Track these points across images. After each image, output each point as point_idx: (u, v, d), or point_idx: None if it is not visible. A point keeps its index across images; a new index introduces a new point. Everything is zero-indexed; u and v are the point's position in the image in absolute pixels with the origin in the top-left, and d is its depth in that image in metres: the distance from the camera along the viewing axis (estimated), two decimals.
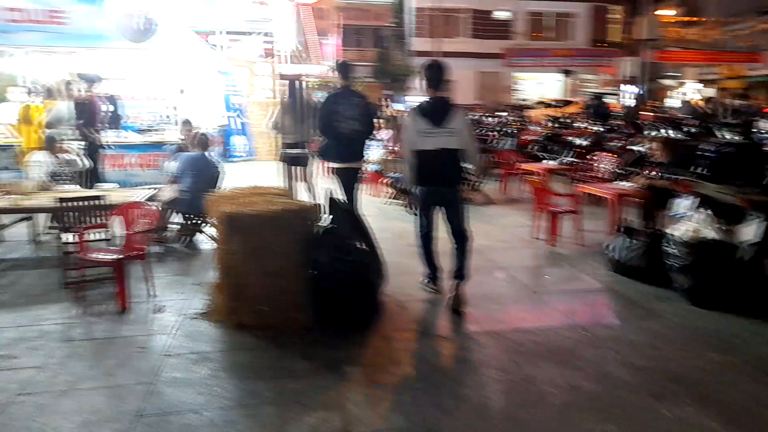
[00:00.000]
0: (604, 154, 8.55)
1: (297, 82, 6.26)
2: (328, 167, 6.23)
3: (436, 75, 4.19)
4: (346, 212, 4.26)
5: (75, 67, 10.60)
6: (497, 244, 6.21)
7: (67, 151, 6.33)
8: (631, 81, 26.63)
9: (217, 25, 12.65)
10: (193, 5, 9.25)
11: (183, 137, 6.91)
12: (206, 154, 5.92)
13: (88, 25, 7.53)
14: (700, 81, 27.35)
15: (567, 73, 31.68)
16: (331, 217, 4.11)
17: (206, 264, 5.11)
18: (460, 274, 4.33)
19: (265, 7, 12.06)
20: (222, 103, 13.30)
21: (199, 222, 5.81)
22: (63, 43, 7.68)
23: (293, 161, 6.23)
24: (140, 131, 10.14)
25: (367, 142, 5.54)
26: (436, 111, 4.15)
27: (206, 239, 5.83)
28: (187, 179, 5.78)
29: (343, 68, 5.47)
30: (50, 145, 6.06)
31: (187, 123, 6.86)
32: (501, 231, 6.83)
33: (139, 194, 5.37)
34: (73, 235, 4.49)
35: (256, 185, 4.64)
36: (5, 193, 5.28)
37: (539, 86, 34.09)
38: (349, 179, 5.35)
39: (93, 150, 6.94)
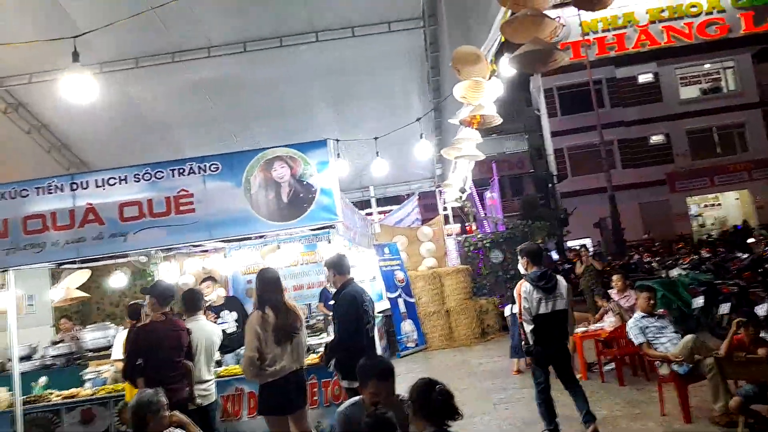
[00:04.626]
0: None
1: None
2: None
3: (538, 255, 5.01)
4: None
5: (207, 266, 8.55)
6: None
7: (180, 423, 3.48)
8: None
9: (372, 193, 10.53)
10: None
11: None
12: None
13: (221, 209, 5.23)
14: None
15: None
16: None
17: None
18: (589, 416, 4.76)
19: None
20: (382, 283, 10.66)
21: None
22: (189, 238, 5.37)
23: None
24: None
25: None
26: (547, 281, 4.79)
27: None
28: None
29: (342, 264, 4.70)
30: (142, 421, 3.19)
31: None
32: None
33: None
34: None
35: None
36: None
37: (714, 209, 29.11)
38: None
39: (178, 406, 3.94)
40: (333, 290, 4.81)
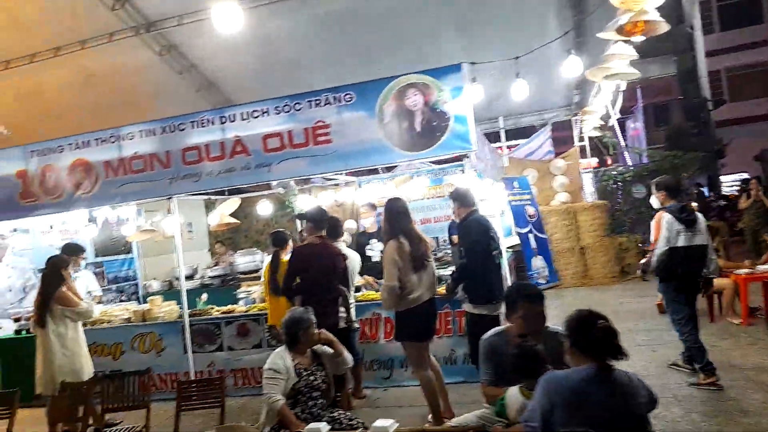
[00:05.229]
0: None
1: None
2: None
3: (676, 189, 5.03)
4: None
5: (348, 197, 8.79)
6: None
7: (328, 341, 3.69)
8: None
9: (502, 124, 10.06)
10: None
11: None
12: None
13: (356, 139, 5.27)
14: None
15: None
16: None
17: None
18: None
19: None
20: (511, 218, 10.32)
21: None
22: (327, 168, 5.54)
23: None
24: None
25: None
26: (688, 214, 4.76)
27: None
28: None
29: (467, 196, 4.65)
30: (294, 336, 3.49)
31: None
32: None
33: None
34: None
35: None
36: None
37: None
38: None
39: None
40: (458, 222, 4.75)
